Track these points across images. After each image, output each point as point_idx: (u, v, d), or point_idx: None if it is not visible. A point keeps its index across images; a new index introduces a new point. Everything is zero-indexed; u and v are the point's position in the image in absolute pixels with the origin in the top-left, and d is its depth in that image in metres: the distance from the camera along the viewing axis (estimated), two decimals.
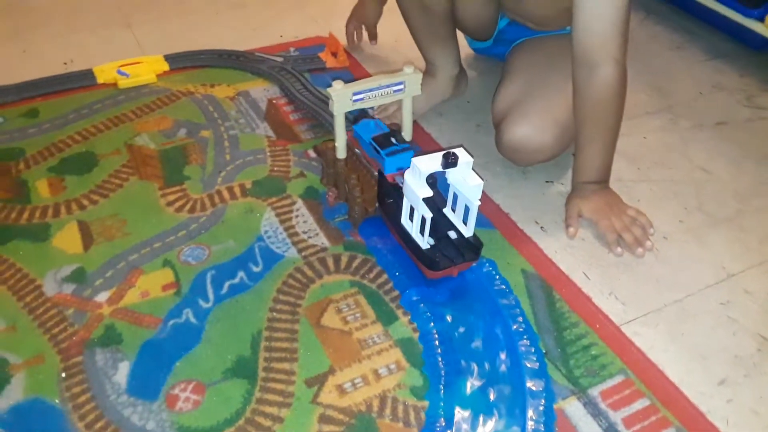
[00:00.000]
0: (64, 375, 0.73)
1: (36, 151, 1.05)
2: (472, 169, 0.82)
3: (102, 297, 0.82)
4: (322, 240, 0.92)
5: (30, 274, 0.85)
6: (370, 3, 1.31)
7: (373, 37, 1.35)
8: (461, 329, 0.79)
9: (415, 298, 0.83)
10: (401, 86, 0.92)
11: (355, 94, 0.89)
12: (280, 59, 1.29)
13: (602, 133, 0.92)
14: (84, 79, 1.21)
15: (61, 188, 0.98)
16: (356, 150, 0.97)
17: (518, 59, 1.07)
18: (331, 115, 0.93)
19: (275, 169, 1.04)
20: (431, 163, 0.80)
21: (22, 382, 0.73)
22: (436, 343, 0.78)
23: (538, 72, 1.02)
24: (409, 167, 0.83)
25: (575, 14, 0.87)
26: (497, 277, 0.86)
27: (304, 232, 0.93)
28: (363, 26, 1.34)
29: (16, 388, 0.72)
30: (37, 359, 0.75)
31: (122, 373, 0.74)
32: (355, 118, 1.10)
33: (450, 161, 0.79)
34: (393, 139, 0.90)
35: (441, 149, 1.07)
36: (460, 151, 0.80)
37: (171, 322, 0.80)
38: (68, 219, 0.93)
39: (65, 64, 1.27)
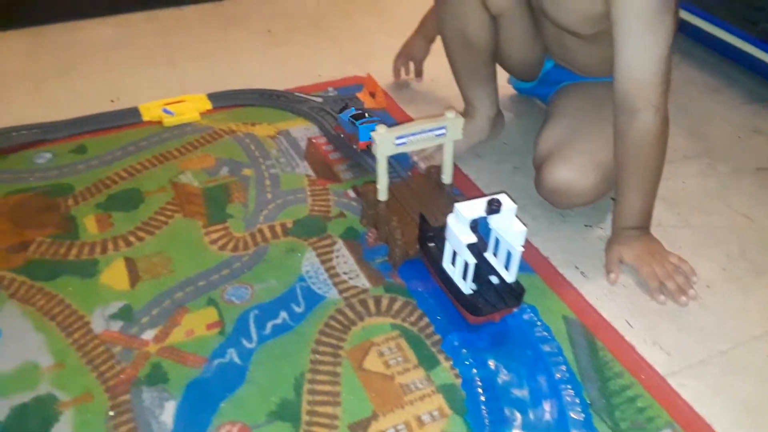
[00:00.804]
0: (112, 413, 0.74)
1: (84, 187, 1.08)
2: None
3: (148, 335, 0.84)
4: (362, 281, 0.92)
5: (78, 310, 0.86)
6: (418, 41, 1.36)
7: (418, 74, 1.39)
8: (504, 376, 0.79)
9: (456, 343, 0.83)
10: (443, 130, 0.94)
11: (398, 138, 0.91)
12: (319, 99, 1.31)
13: (643, 179, 0.92)
14: (130, 116, 1.24)
15: (109, 224, 1.00)
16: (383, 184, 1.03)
17: (562, 102, 1.09)
18: (373, 157, 0.95)
19: (315, 208, 1.06)
20: (475, 209, 0.80)
21: (70, 420, 0.74)
22: (479, 390, 0.77)
23: (582, 116, 1.03)
24: None
25: (616, 60, 0.88)
26: (539, 323, 0.86)
27: (345, 273, 0.94)
28: (410, 63, 1.39)
29: (65, 426, 0.73)
30: (86, 397, 0.76)
31: (168, 412, 0.74)
32: (340, 108, 1.21)
33: (494, 208, 0.80)
34: (366, 114, 1.12)
35: (481, 193, 1.09)
36: (503, 198, 0.81)
37: (216, 362, 0.80)
38: (115, 255, 0.95)
39: (112, 101, 1.31)
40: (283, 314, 0.87)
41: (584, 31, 0.97)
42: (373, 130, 1.07)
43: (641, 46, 0.86)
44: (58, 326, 0.84)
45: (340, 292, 0.91)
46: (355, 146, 1.14)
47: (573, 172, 0.96)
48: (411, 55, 1.38)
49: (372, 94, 1.33)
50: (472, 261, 0.80)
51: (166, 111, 1.24)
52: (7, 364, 0.79)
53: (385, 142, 0.89)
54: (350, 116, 1.14)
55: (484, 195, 1.09)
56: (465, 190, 1.10)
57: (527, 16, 1.05)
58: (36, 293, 0.89)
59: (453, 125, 0.94)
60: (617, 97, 0.89)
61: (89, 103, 1.29)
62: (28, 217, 1.01)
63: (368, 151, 1.13)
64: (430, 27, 1.33)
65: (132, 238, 0.98)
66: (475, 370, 0.80)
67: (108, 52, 1.51)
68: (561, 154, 0.98)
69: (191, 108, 1.26)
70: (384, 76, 1.40)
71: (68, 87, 1.36)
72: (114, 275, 0.92)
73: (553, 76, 1.17)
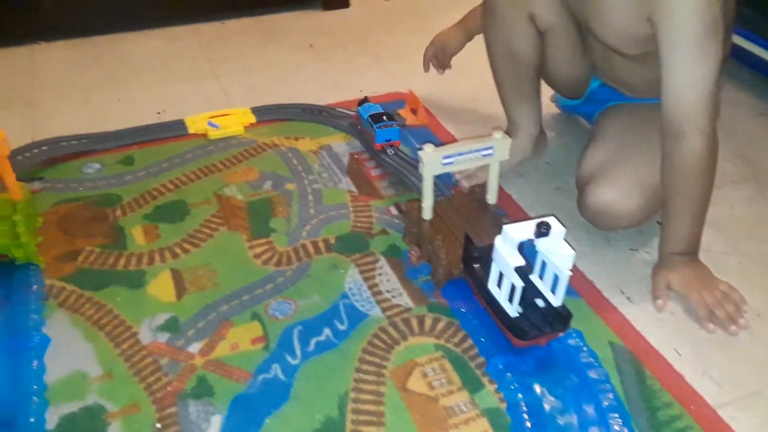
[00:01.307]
0: (159, 426, 0.75)
1: (131, 197, 1.09)
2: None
3: (194, 348, 0.84)
4: (405, 300, 0.92)
5: (126, 321, 0.88)
6: (457, 33, 1.30)
7: (444, 66, 1.33)
8: (550, 402, 0.78)
9: (501, 367, 0.82)
10: (490, 151, 0.94)
11: (445, 157, 0.91)
12: None
13: (690, 204, 0.91)
14: (176, 129, 1.26)
15: (156, 236, 1.02)
16: (389, 157, 1.13)
17: (608, 122, 1.08)
18: (418, 177, 0.95)
19: (358, 225, 1.06)
20: (524, 231, 0.80)
21: (118, 430, 0.74)
22: (525, 416, 0.76)
23: (628, 137, 1.02)
24: (395, 139, 1.18)
25: (663, 83, 0.87)
26: (584, 348, 0.85)
27: (388, 291, 0.94)
28: (442, 53, 1.32)
29: None
30: (133, 408, 0.77)
31: (214, 427, 0.75)
32: (360, 101, 1.26)
33: (543, 231, 0.79)
34: (384, 117, 1.18)
35: (524, 213, 1.09)
36: (552, 221, 0.80)
37: (260, 377, 0.81)
38: (162, 267, 0.96)
39: (158, 113, 1.34)
40: (327, 331, 0.87)
41: (630, 51, 0.96)
42: (390, 134, 1.18)
43: (688, 70, 0.85)
44: (106, 336, 0.86)
45: (383, 310, 0.90)
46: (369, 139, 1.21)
47: (617, 194, 0.95)
48: (444, 45, 1.31)
49: (414, 111, 1.34)
50: (520, 284, 0.80)
51: (211, 124, 1.26)
52: (56, 373, 0.81)
53: (432, 161, 0.89)
54: (369, 115, 1.19)
55: (527, 215, 1.09)
56: (508, 209, 1.10)
57: (574, 32, 1.05)
58: (85, 303, 0.90)
59: (500, 145, 0.93)
60: (664, 120, 0.88)
61: (136, 114, 1.32)
62: (77, 227, 1.03)
63: (384, 151, 1.19)
64: (473, 23, 1.25)
65: (178, 250, 0.99)
66: (520, 395, 0.79)
67: (153, 64, 1.54)
68: (605, 175, 0.97)
69: (235, 121, 1.28)
70: (426, 93, 1.40)
71: (116, 98, 1.39)
72: (161, 287, 0.93)
73: (599, 95, 1.16)
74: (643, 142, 0.99)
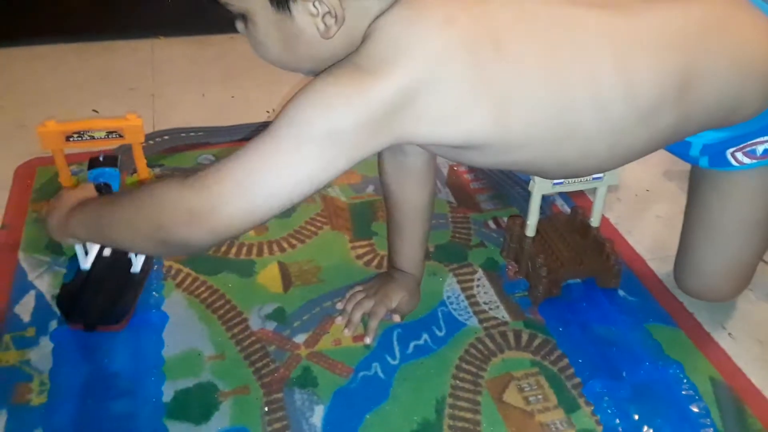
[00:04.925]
0: (266, 409, 0.79)
1: None
2: None
3: (300, 338, 0.88)
4: (502, 313, 0.94)
5: (237, 306, 0.93)
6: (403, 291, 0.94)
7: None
8: (648, 431, 0.78)
9: (598, 390, 0.83)
10: (601, 175, 0.94)
11: None
12: None
13: None
14: None
15: (264, 229, 1.07)
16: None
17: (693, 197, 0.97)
18: (520, 195, 0.96)
19: (456, 235, 1.08)
20: None
21: (229, 409, 0.79)
22: None
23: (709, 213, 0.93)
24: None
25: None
26: (685, 381, 0.84)
27: (485, 303, 0.95)
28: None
29: (224, 415, 0.78)
30: (243, 390, 0.81)
31: (318, 416, 0.78)
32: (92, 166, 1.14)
33: None
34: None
35: (623, 240, 1.06)
36: None
37: (361, 374, 0.84)
38: (270, 259, 1.01)
39: (268, 112, 1.40)
40: (425, 336, 0.90)
41: None
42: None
43: None
44: (219, 319, 0.91)
45: (480, 321, 0.92)
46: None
47: (707, 288, 0.93)
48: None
49: None
50: None
51: None
52: (173, 349, 0.86)
53: (543, 180, 0.91)
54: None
55: (625, 240, 1.08)
56: (606, 233, 1.09)
57: None
58: (200, 285, 0.96)
59: (611, 171, 0.94)
60: None
61: (248, 112, 1.39)
62: None
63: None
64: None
65: (285, 245, 1.04)
66: (617, 420, 0.79)
67: (263, 65, 1.60)
68: (691, 265, 0.94)
69: None
70: None
71: (229, 95, 1.47)
72: (269, 277, 0.98)
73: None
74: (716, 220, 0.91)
